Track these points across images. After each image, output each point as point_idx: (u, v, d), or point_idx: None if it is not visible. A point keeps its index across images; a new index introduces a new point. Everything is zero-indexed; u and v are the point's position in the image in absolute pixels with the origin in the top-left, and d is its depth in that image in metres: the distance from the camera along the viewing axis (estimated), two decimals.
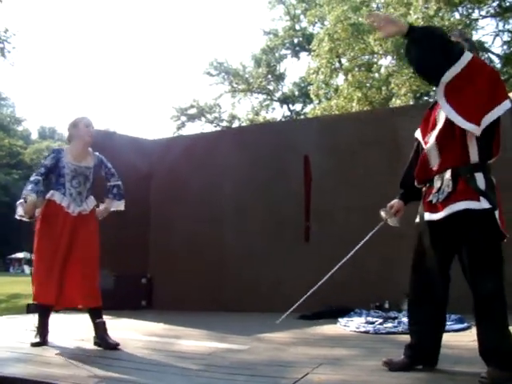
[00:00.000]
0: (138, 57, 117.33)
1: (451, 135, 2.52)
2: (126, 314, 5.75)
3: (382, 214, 3.15)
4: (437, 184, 2.58)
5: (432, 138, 2.64)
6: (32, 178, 3.71)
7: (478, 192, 2.44)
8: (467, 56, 2.44)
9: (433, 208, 2.58)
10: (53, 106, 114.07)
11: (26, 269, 41.59)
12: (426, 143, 2.72)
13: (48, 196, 3.78)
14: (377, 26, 2.56)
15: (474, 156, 2.49)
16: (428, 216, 2.62)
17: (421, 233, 2.71)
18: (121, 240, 6.33)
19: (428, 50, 2.43)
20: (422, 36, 2.46)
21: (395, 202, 3.05)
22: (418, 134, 2.89)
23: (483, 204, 2.42)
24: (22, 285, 16.27)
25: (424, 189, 2.75)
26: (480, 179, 2.47)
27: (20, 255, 44.30)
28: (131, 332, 4.44)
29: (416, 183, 2.82)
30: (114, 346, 3.55)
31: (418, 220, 2.78)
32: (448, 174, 2.52)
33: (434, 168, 2.61)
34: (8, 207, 48.20)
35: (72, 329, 3.68)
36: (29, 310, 6.81)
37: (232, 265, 6.78)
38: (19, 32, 18.65)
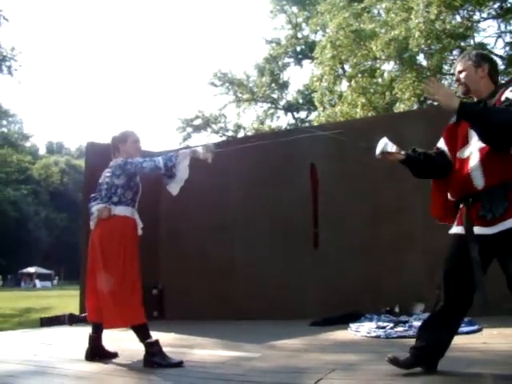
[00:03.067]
0: (143, 70, 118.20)
1: (495, 153, 2.53)
2: None
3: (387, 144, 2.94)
4: (485, 200, 2.56)
5: (474, 157, 2.62)
6: (148, 161, 3.57)
7: None
8: None
9: (486, 223, 2.56)
10: (60, 120, 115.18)
11: (38, 283, 41.75)
12: (457, 158, 2.74)
13: (129, 214, 3.66)
14: (435, 94, 2.62)
15: None
16: (480, 230, 2.58)
17: (461, 244, 2.66)
18: None
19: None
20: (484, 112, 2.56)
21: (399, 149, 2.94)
22: (442, 144, 2.90)
23: None
24: (33, 299, 16.37)
25: (463, 205, 2.70)
26: None
27: (31, 270, 44.35)
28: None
29: (452, 197, 2.81)
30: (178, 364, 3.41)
31: (455, 231, 2.75)
32: (499, 190, 2.51)
33: (480, 187, 2.58)
34: (17, 223, 48.49)
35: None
36: (42, 323, 6.87)
37: (242, 273, 6.80)
38: (25, 49, 18.97)
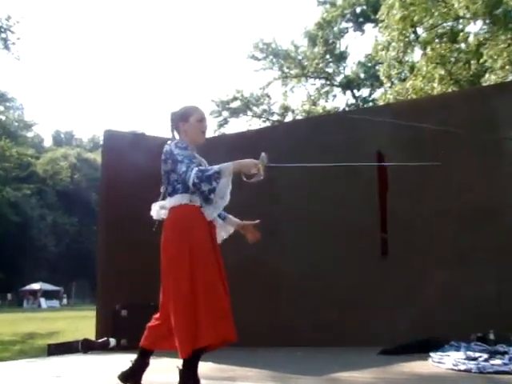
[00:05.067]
0: (169, 45, 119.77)
1: None
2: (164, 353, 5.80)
3: None
4: None
5: None
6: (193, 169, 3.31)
7: None
8: None
9: None
10: (69, 106, 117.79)
11: (43, 302, 42.76)
12: None
13: (186, 201, 3.44)
14: None
15: None
16: None
17: None
18: (133, 265, 6.53)
19: None
20: None
21: None
22: None
23: None
24: (38, 322, 16.68)
25: None
26: None
27: (36, 286, 45.07)
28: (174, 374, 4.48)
29: None
30: None
31: None
32: None
33: None
34: (19, 229, 49.52)
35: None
36: (50, 351, 6.99)
37: (290, 287, 6.78)
38: (25, 20, 19.28)
